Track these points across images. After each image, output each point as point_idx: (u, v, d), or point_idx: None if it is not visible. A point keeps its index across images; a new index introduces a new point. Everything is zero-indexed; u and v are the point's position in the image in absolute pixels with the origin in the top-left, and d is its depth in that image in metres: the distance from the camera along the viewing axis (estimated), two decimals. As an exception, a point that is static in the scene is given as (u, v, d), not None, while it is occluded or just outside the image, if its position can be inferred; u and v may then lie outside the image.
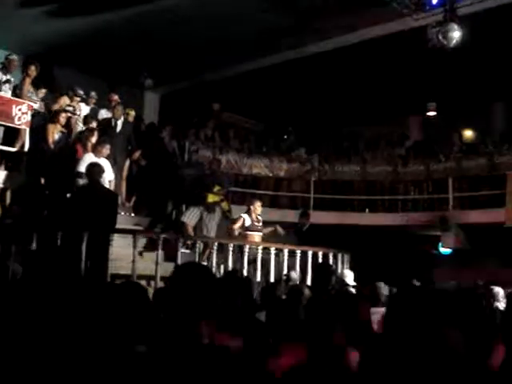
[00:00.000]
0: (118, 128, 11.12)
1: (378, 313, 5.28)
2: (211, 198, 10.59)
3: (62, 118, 10.35)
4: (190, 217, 10.22)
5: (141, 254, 8.73)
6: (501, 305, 6.50)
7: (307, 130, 16.25)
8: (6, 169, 9.98)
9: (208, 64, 13.41)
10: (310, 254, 9.44)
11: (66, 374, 2.46)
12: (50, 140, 10.13)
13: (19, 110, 9.99)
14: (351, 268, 9.56)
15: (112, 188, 9.56)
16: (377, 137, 16.07)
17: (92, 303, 2.88)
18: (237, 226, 9.85)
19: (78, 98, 11.55)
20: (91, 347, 2.52)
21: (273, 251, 9.17)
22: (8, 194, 9.57)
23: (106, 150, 9.55)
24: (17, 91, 10.50)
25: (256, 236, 9.73)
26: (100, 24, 11.41)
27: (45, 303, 3.14)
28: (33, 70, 10.50)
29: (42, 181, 9.78)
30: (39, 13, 11.03)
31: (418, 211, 13.90)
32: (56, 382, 2.50)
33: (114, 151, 10.30)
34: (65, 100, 11.25)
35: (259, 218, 9.87)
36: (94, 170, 8.22)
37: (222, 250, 9.01)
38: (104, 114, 11.71)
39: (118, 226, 8.78)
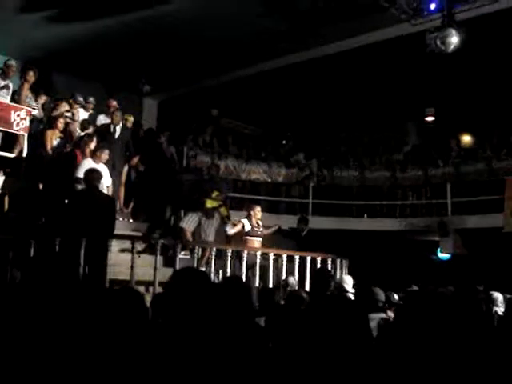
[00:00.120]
0: (117, 134, 11.10)
1: (375, 319, 5.27)
2: (210, 204, 10.57)
3: (60, 123, 10.34)
4: (189, 222, 10.20)
5: (139, 253, 8.67)
6: (500, 310, 6.51)
7: (306, 135, 16.26)
8: (4, 174, 9.96)
9: (206, 70, 13.42)
10: (308, 259, 9.43)
11: (62, 377, 2.45)
12: (49, 146, 10.11)
13: (18, 115, 9.97)
14: (350, 273, 9.55)
15: (110, 194, 9.54)
16: (375, 142, 16.09)
17: (89, 308, 2.87)
18: (234, 229, 9.84)
19: (78, 106, 11.56)
20: (88, 351, 2.51)
21: (271, 257, 9.16)
22: (6, 199, 9.55)
23: (105, 155, 9.53)
24: (15, 97, 10.50)
25: (256, 241, 9.71)
26: (99, 30, 11.42)
27: (43, 308, 3.14)
28: (31, 76, 10.49)
29: (40, 186, 9.76)
30: (38, 18, 11.04)
31: (416, 216, 13.91)
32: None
33: (113, 157, 10.28)
34: (65, 106, 11.25)
35: (259, 223, 9.86)
36: (92, 175, 8.20)
37: (221, 255, 9.00)
38: (102, 119, 11.71)
39: (117, 231, 8.77)
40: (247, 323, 3.86)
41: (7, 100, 10.23)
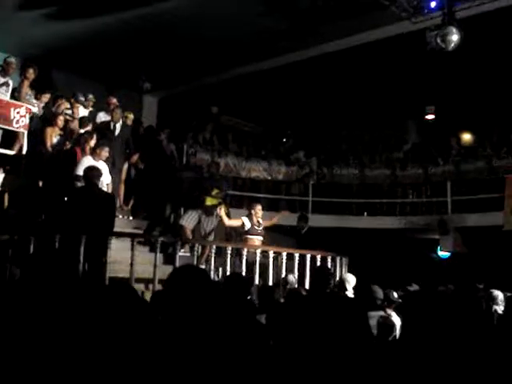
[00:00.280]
0: (117, 131, 11.10)
1: (374, 317, 5.27)
2: (209, 202, 10.57)
3: (60, 121, 10.33)
4: (189, 220, 10.20)
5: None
6: (500, 308, 6.50)
7: (306, 133, 16.25)
8: (4, 172, 9.95)
9: (206, 67, 13.41)
10: (308, 257, 9.43)
11: (61, 375, 2.45)
12: (49, 143, 10.11)
13: (17, 112, 9.97)
14: (349, 271, 9.55)
15: (109, 191, 9.54)
16: (375, 140, 16.07)
17: (87, 305, 2.87)
18: (231, 222, 9.85)
19: (79, 104, 11.55)
20: (86, 348, 2.51)
21: (271, 254, 9.16)
22: (6, 196, 9.55)
23: (105, 152, 9.54)
24: (15, 94, 10.49)
25: (256, 240, 9.71)
26: (98, 27, 11.40)
27: (42, 305, 3.13)
28: (31, 73, 10.49)
29: (40, 184, 9.76)
30: (38, 15, 11.03)
31: (416, 215, 13.90)
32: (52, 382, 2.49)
33: (113, 154, 10.28)
34: (65, 104, 11.25)
35: (260, 221, 9.86)
36: (92, 173, 8.19)
37: (221, 253, 9.00)
38: (102, 117, 11.70)
39: (117, 229, 8.77)
40: (248, 320, 3.86)
41: (7, 97, 10.22)
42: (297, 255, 9.40)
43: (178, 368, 2.43)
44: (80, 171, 8.68)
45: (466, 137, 16.03)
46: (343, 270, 10.04)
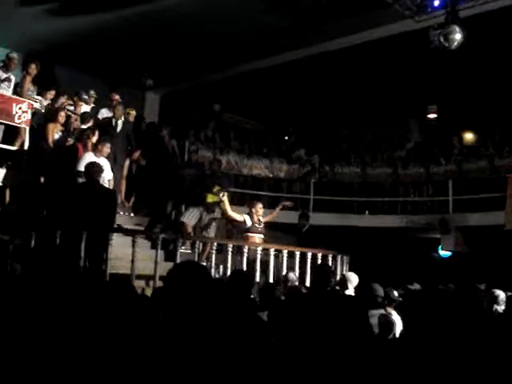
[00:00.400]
0: (119, 127, 11.09)
1: (375, 315, 5.26)
2: (211, 199, 10.56)
3: (61, 116, 10.31)
4: (190, 217, 10.19)
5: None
6: (501, 308, 6.48)
7: (308, 131, 16.24)
8: (5, 167, 9.95)
9: (209, 64, 13.41)
10: (309, 255, 9.42)
11: (61, 369, 2.45)
12: (50, 139, 10.10)
13: (19, 108, 9.96)
14: (350, 270, 9.54)
15: (111, 187, 9.54)
16: (377, 139, 16.06)
17: (86, 301, 2.87)
18: (233, 214, 9.84)
19: (82, 103, 11.54)
20: (85, 344, 2.51)
21: (272, 252, 9.16)
22: (7, 192, 9.55)
23: (107, 148, 9.54)
24: (17, 89, 10.48)
25: (257, 238, 9.70)
26: (100, 23, 11.40)
27: (42, 300, 3.13)
28: (33, 69, 10.48)
29: (42, 180, 9.76)
30: (40, 11, 11.03)
31: (417, 213, 13.89)
32: (52, 378, 2.49)
33: (114, 151, 10.27)
34: (67, 101, 11.25)
35: (261, 219, 9.85)
36: (93, 169, 8.19)
37: (222, 250, 9.00)
38: (105, 113, 11.69)
39: (118, 225, 8.78)
40: (250, 317, 3.86)
41: (9, 92, 10.22)
42: (298, 253, 9.40)
43: (178, 364, 2.42)
44: (81, 167, 8.67)
45: (468, 136, 16.01)
46: (344, 268, 10.04)
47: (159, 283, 7.61)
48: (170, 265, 7.29)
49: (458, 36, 9.74)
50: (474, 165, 13.52)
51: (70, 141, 10.17)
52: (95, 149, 9.49)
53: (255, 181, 14.67)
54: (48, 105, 11.00)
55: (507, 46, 11.94)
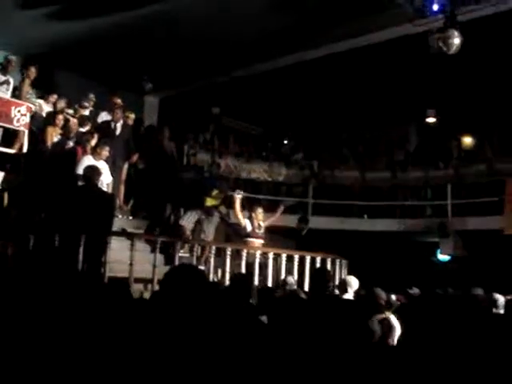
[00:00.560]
0: (118, 131, 11.09)
1: (374, 320, 5.24)
2: (209, 202, 10.56)
3: (59, 120, 10.30)
4: (188, 220, 10.19)
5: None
6: (500, 312, 6.48)
7: (307, 134, 16.25)
8: (3, 170, 9.94)
9: (208, 68, 13.40)
10: (308, 259, 9.42)
11: (60, 371, 2.44)
12: (49, 142, 10.10)
13: (18, 111, 9.95)
14: (349, 274, 9.53)
15: (110, 191, 9.54)
16: (376, 142, 16.07)
17: (83, 304, 2.87)
18: (240, 216, 9.83)
19: (83, 110, 11.54)
20: (82, 346, 2.50)
21: (271, 256, 9.15)
22: (6, 195, 9.53)
23: (106, 152, 9.54)
24: (16, 92, 10.48)
25: (256, 243, 9.70)
26: (99, 27, 11.38)
27: (40, 302, 3.13)
28: (33, 72, 10.50)
29: (40, 183, 9.74)
30: (39, 15, 11.01)
31: (416, 217, 13.90)
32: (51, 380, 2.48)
33: (113, 154, 10.27)
34: (62, 104, 11.26)
35: (261, 224, 9.84)
36: (91, 172, 8.19)
37: (220, 253, 8.99)
38: (105, 116, 11.68)
39: (117, 228, 8.76)
40: (250, 320, 3.85)
41: (7, 96, 10.21)
42: (296, 257, 9.39)
43: (174, 367, 2.42)
44: (80, 170, 8.67)
45: (467, 140, 16.03)
46: (343, 272, 10.03)
47: (157, 287, 7.59)
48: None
49: (456, 40, 9.74)
50: (473, 169, 13.54)
51: (69, 144, 10.16)
52: (94, 152, 9.50)
53: (254, 184, 14.66)
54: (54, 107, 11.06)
55: (506, 50, 11.96)
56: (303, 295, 5.76)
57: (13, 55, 10.63)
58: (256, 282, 8.64)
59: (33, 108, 10.44)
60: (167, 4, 10.58)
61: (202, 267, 9.01)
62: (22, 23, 11.28)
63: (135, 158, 11.26)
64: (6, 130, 10.08)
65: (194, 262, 8.65)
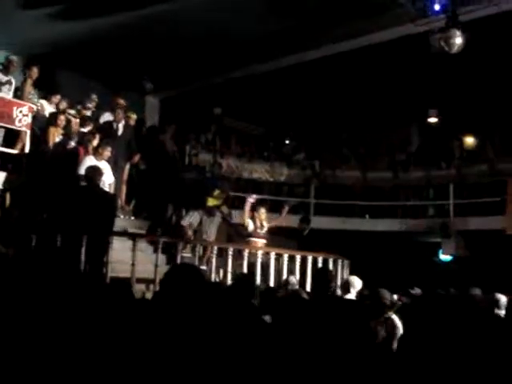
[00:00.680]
0: (120, 131, 11.09)
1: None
2: (211, 202, 10.56)
3: (60, 120, 10.30)
4: (190, 220, 10.19)
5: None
6: (502, 312, 6.48)
7: (309, 135, 16.24)
8: (6, 171, 9.94)
9: (209, 68, 13.39)
10: (310, 259, 9.41)
11: (62, 371, 2.44)
12: (51, 142, 10.11)
13: (20, 111, 9.96)
14: (351, 274, 9.52)
15: (112, 191, 9.55)
16: (378, 143, 16.07)
17: (84, 304, 2.87)
18: (248, 212, 9.84)
19: (86, 111, 11.54)
20: (84, 346, 2.51)
21: (273, 256, 9.15)
22: (8, 196, 9.54)
23: (108, 152, 9.55)
24: (18, 93, 10.49)
25: (259, 243, 9.70)
26: (101, 27, 11.38)
27: (42, 302, 3.13)
28: (35, 72, 10.50)
29: (42, 183, 9.74)
30: (41, 15, 11.01)
31: (418, 218, 13.89)
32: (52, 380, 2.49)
33: (115, 154, 10.27)
34: (64, 104, 11.27)
35: (264, 224, 9.85)
36: (93, 172, 8.19)
37: (222, 254, 8.99)
38: (107, 117, 11.66)
39: (119, 229, 8.76)
40: (254, 320, 3.85)
41: (9, 96, 10.22)
42: (298, 257, 9.38)
43: (175, 367, 2.42)
44: (82, 171, 8.68)
45: (469, 140, 16.01)
46: (345, 272, 10.02)
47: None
48: (171, 268, 7.29)
49: (458, 40, 9.74)
50: (475, 169, 13.53)
51: (71, 144, 10.16)
52: (96, 152, 9.51)
53: (256, 184, 14.66)
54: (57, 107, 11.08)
55: (507, 50, 11.95)
56: (305, 295, 5.77)
57: (14, 55, 10.63)
58: (258, 282, 8.64)
59: (34, 108, 10.45)
60: (168, 4, 10.59)
61: (203, 267, 9.02)
62: (23, 23, 11.29)
63: (137, 158, 11.26)
64: (8, 130, 10.08)
65: (196, 262, 8.64)
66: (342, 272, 9.97)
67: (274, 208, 13.79)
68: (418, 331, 2.97)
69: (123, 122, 11.19)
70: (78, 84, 12.72)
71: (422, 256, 14.01)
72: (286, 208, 10.52)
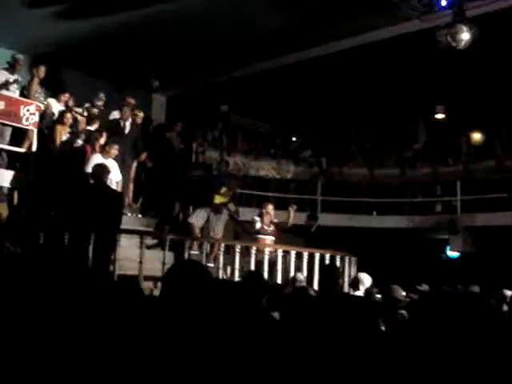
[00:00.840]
0: (127, 129, 11.11)
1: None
2: (218, 200, 10.57)
3: (67, 118, 10.33)
4: (197, 218, 10.20)
5: (149, 247, 8.73)
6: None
7: (315, 132, 16.23)
8: (13, 169, 9.99)
9: (216, 66, 13.39)
10: (317, 256, 9.40)
11: (68, 369, 2.45)
12: (58, 141, 10.14)
13: (27, 110, 10.00)
14: (358, 271, 9.51)
15: (119, 189, 9.58)
16: (385, 139, 16.03)
17: (92, 301, 2.87)
18: (256, 226, 9.85)
19: (96, 110, 11.57)
20: (91, 343, 2.51)
21: (280, 253, 9.15)
22: (16, 194, 9.58)
23: (115, 150, 9.58)
24: (24, 92, 10.52)
25: (267, 240, 9.71)
26: (107, 25, 11.38)
27: (49, 299, 3.14)
28: (42, 71, 10.54)
29: (50, 181, 9.78)
30: (47, 14, 11.03)
31: (425, 214, 13.86)
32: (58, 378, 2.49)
33: (122, 152, 10.30)
34: (70, 102, 11.30)
35: (272, 220, 9.85)
36: (100, 170, 8.22)
37: (229, 251, 9.00)
38: (116, 115, 11.68)
39: (126, 226, 8.78)
40: (263, 316, 3.85)
41: (16, 94, 10.26)
42: (306, 254, 9.38)
43: (182, 364, 2.42)
44: (89, 169, 8.71)
45: (476, 136, 15.96)
46: (352, 269, 10.01)
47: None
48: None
49: (465, 36, 9.69)
50: (482, 165, 13.49)
51: (78, 142, 10.19)
52: (103, 150, 9.54)
53: (262, 182, 14.66)
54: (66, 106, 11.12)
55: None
56: (312, 292, 5.77)
57: (21, 54, 10.65)
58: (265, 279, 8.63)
59: (42, 107, 10.48)
60: (174, 2, 10.58)
61: (211, 264, 9.03)
62: (29, 22, 11.30)
63: (144, 156, 11.29)
64: (15, 129, 10.12)
65: (204, 259, 8.66)
66: (349, 269, 9.96)
67: (280, 205, 13.83)
68: (426, 328, 2.95)
69: (130, 119, 11.21)
70: (83, 82, 12.74)
71: (430, 253, 13.99)
72: (294, 207, 10.47)
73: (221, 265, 8.78)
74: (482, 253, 12.75)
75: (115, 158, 9.68)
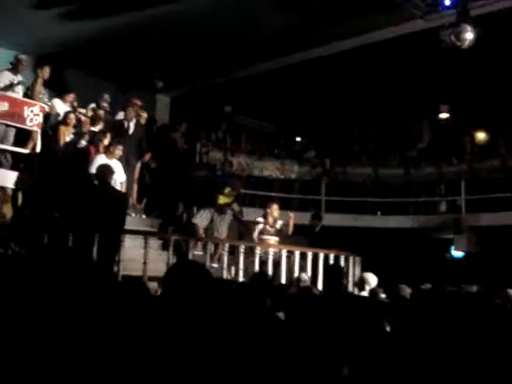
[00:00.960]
0: (131, 130, 11.11)
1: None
2: (222, 200, 10.57)
3: (70, 119, 10.33)
4: (201, 218, 10.20)
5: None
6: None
7: (319, 132, 16.22)
8: (17, 170, 10.00)
9: (220, 66, 13.39)
10: (321, 256, 9.40)
11: (73, 369, 2.45)
12: (62, 142, 10.15)
13: (31, 111, 10.01)
14: (363, 270, 9.51)
15: (123, 190, 9.58)
16: (389, 139, 16.01)
17: (96, 302, 2.87)
18: (255, 233, 9.85)
19: (102, 111, 11.57)
20: (96, 343, 2.51)
21: (284, 253, 9.14)
22: (20, 195, 9.59)
23: (119, 151, 9.58)
24: (28, 92, 10.52)
25: (271, 240, 9.70)
26: (111, 26, 11.39)
27: (54, 300, 3.14)
28: (47, 72, 10.55)
29: (54, 182, 9.79)
30: (52, 15, 11.05)
31: (430, 214, 13.83)
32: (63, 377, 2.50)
33: (126, 153, 10.30)
34: (74, 103, 11.32)
35: (277, 221, 9.84)
36: (105, 171, 8.23)
37: (233, 251, 9.00)
38: (121, 116, 11.68)
39: (130, 227, 8.79)
40: (268, 317, 3.84)
41: (20, 95, 10.26)
42: (310, 254, 9.37)
43: (186, 364, 2.42)
44: (93, 169, 8.72)
45: (481, 135, 15.93)
46: (356, 269, 10.01)
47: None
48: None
49: (469, 35, 9.67)
50: (486, 164, 13.45)
51: (82, 143, 10.20)
52: (107, 151, 9.54)
53: (266, 182, 14.65)
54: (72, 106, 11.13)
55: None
56: (317, 292, 5.76)
57: (24, 55, 10.66)
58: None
59: (46, 108, 10.49)
60: (180, 3, 10.59)
61: (215, 265, 9.03)
62: (34, 23, 11.32)
63: (148, 156, 11.29)
64: (19, 130, 10.13)
65: (208, 259, 8.66)
66: (353, 269, 9.95)
67: (284, 206, 13.82)
68: (430, 327, 2.95)
69: (134, 120, 11.21)
70: (87, 83, 12.75)
71: (434, 252, 13.96)
72: (291, 221, 10.41)
73: (225, 265, 8.78)
74: (486, 252, 12.71)
75: (119, 159, 9.68)
